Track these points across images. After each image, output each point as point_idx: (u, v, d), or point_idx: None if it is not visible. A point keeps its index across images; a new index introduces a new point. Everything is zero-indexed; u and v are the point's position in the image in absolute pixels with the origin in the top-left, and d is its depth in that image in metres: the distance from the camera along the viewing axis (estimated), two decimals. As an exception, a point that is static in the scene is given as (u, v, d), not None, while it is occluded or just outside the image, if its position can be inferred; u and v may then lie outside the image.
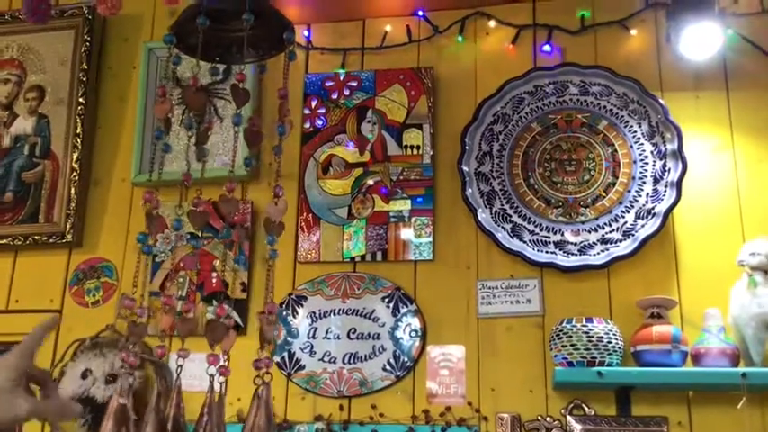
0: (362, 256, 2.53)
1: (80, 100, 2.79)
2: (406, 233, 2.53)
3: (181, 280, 2.58)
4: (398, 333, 2.44)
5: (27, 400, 1.08)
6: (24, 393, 1.09)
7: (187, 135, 2.62)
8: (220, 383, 1.66)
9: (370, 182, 2.59)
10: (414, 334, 2.43)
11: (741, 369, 2.08)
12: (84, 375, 2.41)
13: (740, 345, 2.16)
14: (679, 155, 2.37)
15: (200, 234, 2.60)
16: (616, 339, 2.18)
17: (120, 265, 2.67)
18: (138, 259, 2.27)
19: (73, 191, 2.71)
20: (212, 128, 2.61)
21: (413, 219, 2.54)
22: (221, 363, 1.66)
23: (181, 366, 1.61)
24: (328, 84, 2.71)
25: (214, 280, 2.57)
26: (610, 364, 2.16)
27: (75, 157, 2.74)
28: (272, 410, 1.70)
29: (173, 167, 2.52)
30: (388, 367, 2.41)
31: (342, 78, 2.71)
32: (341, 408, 2.40)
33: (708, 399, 2.21)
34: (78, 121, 2.78)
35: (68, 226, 2.68)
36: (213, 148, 2.64)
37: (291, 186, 2.59)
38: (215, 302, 2.53)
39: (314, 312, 2.50)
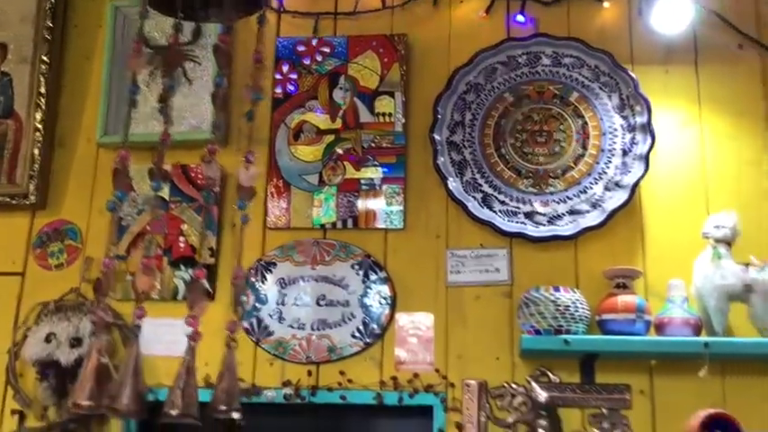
0: (333, 224, 2.53)
1: (44, 58, 2.72)
2: (377, 201, 2.52)
3: (148, 244, 2.54)
4: (368, 300, 2.44)
5: None
6: None
7: (157, 97, 2.59)
8: (192, 348, 1.65)
9: (342, 149, 2.58)
10: (383, 302, 2.44)
11: (704, 339, 2.13)
12: (47, 339, 2.37)
13: (703, 315, 2.21)
14: (648, 128, 2.40)
15: (167, 198, 2.58)
16: (582, 308, 2.21)
17: (84, 227, 2.63)
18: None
19: (36, 152, 2.64)
20: (177, 87, 2.56)
21: (384, 187, 2.53)
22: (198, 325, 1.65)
23: (139, 326, 1.59)
24: (300, 48, 2.68)
25: (182, 244, 2.54)
26: (576, 333, 2.19)
27: (38, 117, 2.67)
28: (235, 375, 1.70)
29: (139, 129, 2.49)
30: (357, 334, 2.42)
31: (314, 43, 2.68)
32: (309, 374, 2.41)
33: (670, 368, 2.26)
34: (42, 80, 2.70)
35: (32, 187, 2.62)
36: (181, 111, 2.60)
37: (262, 152, 2.56)
38: (182, 267, 2.51)
39: (283, 279, 2.49)
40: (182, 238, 2.55)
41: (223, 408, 1.69)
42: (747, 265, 2.18)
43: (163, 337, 2.44)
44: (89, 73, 2.77)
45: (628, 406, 2.27)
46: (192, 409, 1.64)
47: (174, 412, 1.63)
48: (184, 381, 1.66)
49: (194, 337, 1.72)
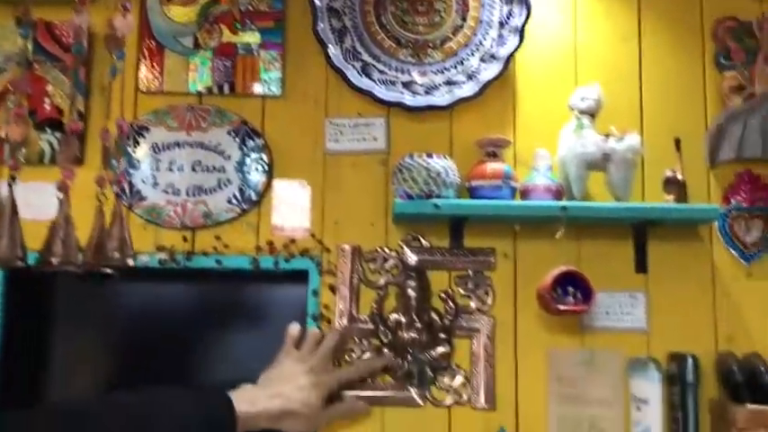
0: (209, 89, 2.47)
1: None
2: (255, 67, 2.47)
3: (10, 105, 2.41)
4: (245, 167, 2.43)
5: (325, 415, 1.09)
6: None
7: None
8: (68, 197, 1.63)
9: (218, 11, 2.49)
10: (260, 168, 2.43)
11: (562, 203, 2.25)
12: None
13: (564, 183, 2.33)
14: (524, 0, 2.43)
15: (30, 56, 2.44)
16: (453, 175, 2.29)
17: (-61, 86, 2.46)
18: None
19: None
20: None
21: (262, 52, 2.48)
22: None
23: (14, 177, 1.55)
24: None
25: (47, 107, 2.43)
26: (446, 198, 2.27)
27: None
28: (124, 222, 1.69)
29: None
30: (233, 201, 2.42)
31: None
32: (184, 239, 2.40)
33: (532, 232, 2.38)
34: None
35: None
36: (43, -37, 2.42)
37: (132, 10, 2.43)
38: (48, 130, 2.41)
39: (156, 144, 2.43)
40: (47, 100, 2.43)
41: (117, 255, 1.69)
42: (608, 135, 2.29)
43: (29, 201, 2.36)
44: None
45: (492, 268, 2.41)
46: (75, 256, 1.63)
47: (54, 260, 1.61)
48: (64, 230, 1.64)
49: (64, 189, 1.68)
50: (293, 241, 2.41)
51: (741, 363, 2.23)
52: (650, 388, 2.18)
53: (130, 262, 1.62)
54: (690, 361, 2.21)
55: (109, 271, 1.66)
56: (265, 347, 2.45)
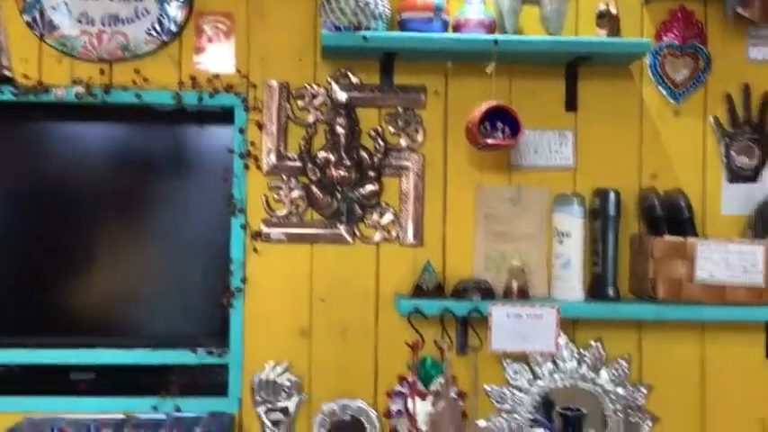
0: None
1: None
2: None
3: None
4: (164, -3, 2.29)
5: None
6: None
7: None
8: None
9: None
10: (181, -2, 2.30)
11: (494, 36, 2.19)
12: None
13: (497, 17, 2.26)
14: None
15: None
16: (383, 6, 2.19)
17: None
18: None
19: None
20: None
21: None
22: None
23: None
24: None
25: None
26: (375, 30, 2.18)
27: None
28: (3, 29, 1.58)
29: None
30: (153, 32, 2.29)
31: None
32: (102, 72, 2.29)
33: (463, 70, 2.33)
34: None
35: None
36: None
37: None
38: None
39: (67, -31, 2.27)
40: None
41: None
42: (543, -34, 2.21)
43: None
44: None
45: (422, 105, 2.37)
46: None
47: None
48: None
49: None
50: (217, 77, 2.31)
51: (663, 198, 2.28)
52: (573, 222, 2.22)
53: (8, 73, 1.52)
54: (612, 195, 2.24)
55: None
56: (191, 187, 2.40)
